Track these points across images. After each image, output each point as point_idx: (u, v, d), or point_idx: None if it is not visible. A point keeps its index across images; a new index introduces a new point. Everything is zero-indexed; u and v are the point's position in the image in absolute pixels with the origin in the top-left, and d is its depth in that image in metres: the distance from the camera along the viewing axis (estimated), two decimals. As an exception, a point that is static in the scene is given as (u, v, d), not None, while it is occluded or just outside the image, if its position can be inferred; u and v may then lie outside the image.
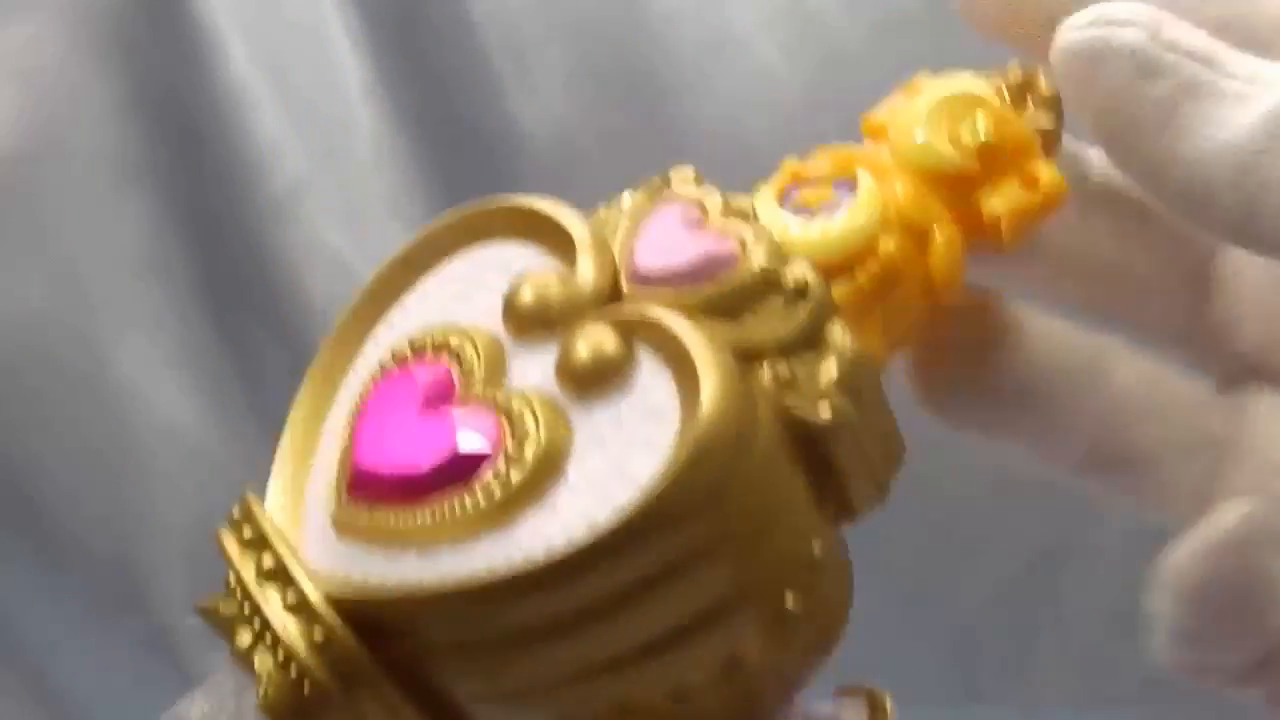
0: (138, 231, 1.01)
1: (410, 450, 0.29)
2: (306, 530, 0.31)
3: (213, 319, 1.03)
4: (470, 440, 0.28)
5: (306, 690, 0.29)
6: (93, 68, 1.00)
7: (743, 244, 0.30)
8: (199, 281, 1.02)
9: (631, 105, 1.00)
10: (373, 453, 0.30)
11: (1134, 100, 0.32)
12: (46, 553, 1.02)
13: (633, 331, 0.29)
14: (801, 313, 0.29)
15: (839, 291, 0.30)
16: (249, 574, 0.31)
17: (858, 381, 0.30)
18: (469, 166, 1.01)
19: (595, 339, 0.29)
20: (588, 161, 1.00)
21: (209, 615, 0.32)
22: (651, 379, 0.28)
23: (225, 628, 0.31)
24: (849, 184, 0.31)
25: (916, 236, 0.32)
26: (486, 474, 0.28)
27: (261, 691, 0.29)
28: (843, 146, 0.33)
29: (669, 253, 0.30)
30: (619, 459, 0.27)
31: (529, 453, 0.28)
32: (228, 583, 0.32)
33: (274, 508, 0.32)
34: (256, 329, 1.02)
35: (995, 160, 0.32)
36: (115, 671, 1.03)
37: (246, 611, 0.30)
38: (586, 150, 1.00)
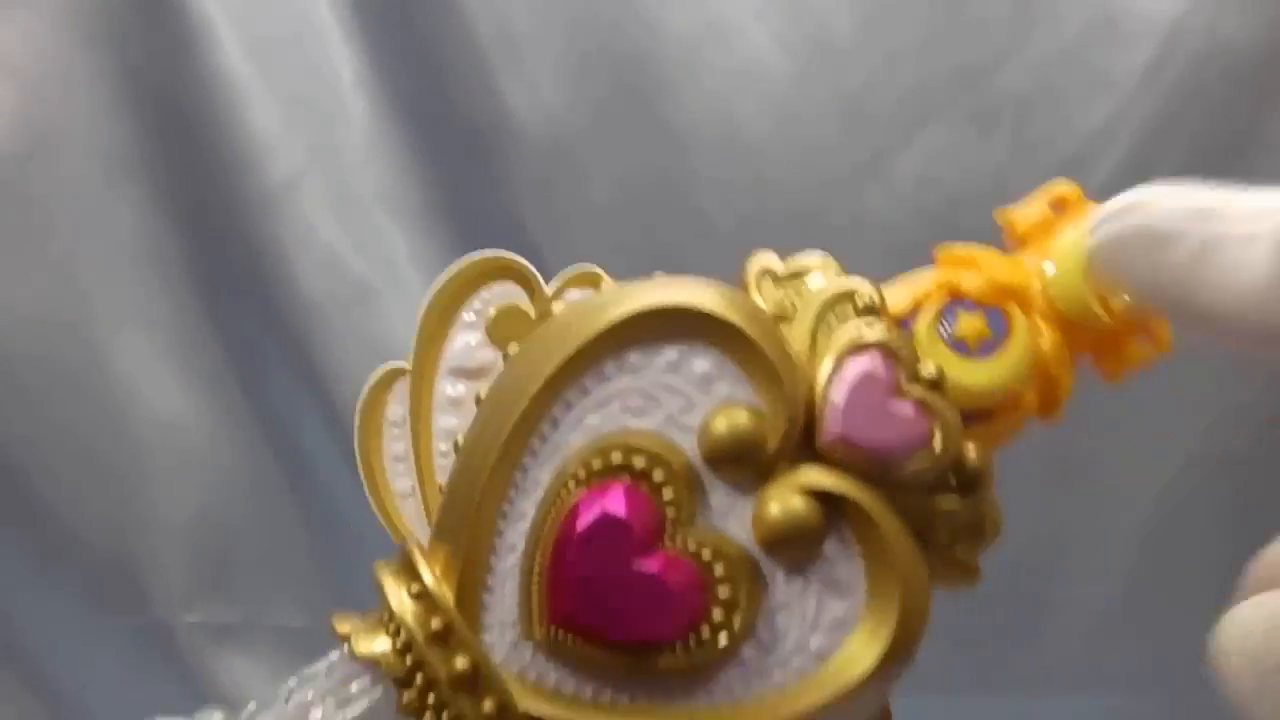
0: (131, 226, 1.01)
1: (625, 594, 0.30)
2: (484, 621, 0.32)
3: (207, 312, 1.03)
4: (685, 605, 0.31)
5: None
6: (85, 63, 1.00)
7: (929, 430, 0.31)
8: (193, 275, 1.02)
9: (624, 95, 1.00)
10: (585, 602, 0.31)
11: (1161, 273, 0.32)
12: (43, 549, 1.02)
13: (828, 503, 0.31)
14: (971, 495, 0.33)
15: (978, 433, 0.33)
16: (423, 632, 0.32)
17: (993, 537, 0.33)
18: (462, 157, 1.01)
19: (792, 505, 0.31)
20: (580, 151, 1.00)
21: (368, 658, 0.33)
22: (838, 552, 0.31)
23: (387, 679, 0.33)
24: (1001, 317, 0.34)
25: (1049, 383, 0.35)
26: (692, 632, 0.31)
27: None
28: (990, 259, 0.35)
29: (869, 426, 0.31)
30: (804, 631, 0.31)
31: (732, 616, 0.31)
32: (394, 635, 0.33)
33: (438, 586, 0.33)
34: (250, 322, 1.02)
35: (1130, 319, 0.34)
36: (112, 668, 1.03)
37: (412, 669, 0.32)
38: (579, 140, 1.00)
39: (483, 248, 1.10)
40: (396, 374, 0.39)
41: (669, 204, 1.01)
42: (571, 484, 0.33)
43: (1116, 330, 0.35)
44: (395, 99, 1.02)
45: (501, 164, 1.01)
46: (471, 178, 1.01)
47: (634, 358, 0.33)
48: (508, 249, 1.09)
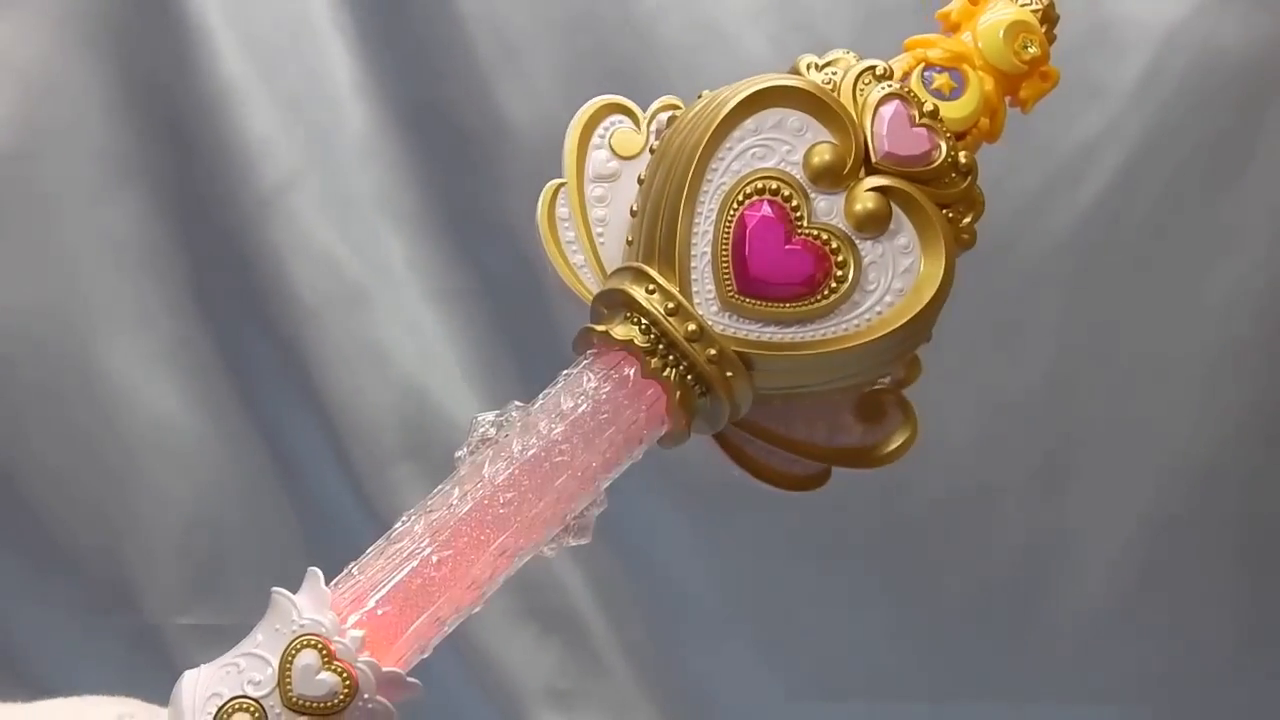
0: (127, 227, 1.01)
1: (786, 270, 0.49)
2: (696, 299, 0.49)
3: (201, 314, 1.03)
4: (817, 269, 0.49)
5: (699, 393, 0.50)
6: (82, 64, 1.00)
7: (938, 143, 0.50)
8: (188, 277, 1.02)
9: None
10: (761, 268, 0.49)
11: None
12: (37, 551, 1.02)
13: (890, 194, 0.49)
14: (968, 182, 0.51)
15: (961, 145, 0.51)
16: (658, 309, 0.49)
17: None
18: (457, 160, 1.01)
19: (867, 199, 0.49)
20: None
21: (606, 338, 0.50)
22: (900, 225, 0.49)
23: (635, 354, 0.49)
24: (959, 74, 0.52)
25: (992, 112, 0.53)
26: (824, 288, 0.49)
27: (677, 394, 0.49)
28: (942, 39, 0.53)
29: (905, 145, 0.50)
30: (888, 279, 0.49)
31: (846, 274, 0.49)
32: (630, 317, 0.50)
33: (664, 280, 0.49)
34: (245, 324, 1.02)
35: (1034, 65, 0.54)
36: (104, 669, 1.03)
37: (655, 340, 0.49)
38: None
39: (478, 251, 1.10)
40: (560, 185, 0.54)
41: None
42: (734, 206, 0.49)
43: (1025, 73, 0.54)
44: (391, 103, 1.02)
45: (497, 167, 1.01)
46: (467, 181, 1.01)
47: (750, 123, 0.50)
48: (502, 252, 1.09)
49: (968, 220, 0.51)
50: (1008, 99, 0.55)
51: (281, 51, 1.01)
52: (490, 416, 0.51)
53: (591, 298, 0.52)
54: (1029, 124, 0.97)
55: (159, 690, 1.07)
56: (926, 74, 0.52)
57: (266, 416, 1.04)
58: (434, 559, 0.47)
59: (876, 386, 0.54)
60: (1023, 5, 0.55)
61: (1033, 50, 0.53)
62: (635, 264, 0.50)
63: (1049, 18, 0.55)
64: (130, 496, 1.02)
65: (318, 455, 1.03)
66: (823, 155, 0.49)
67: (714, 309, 0.49)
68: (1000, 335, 1.01)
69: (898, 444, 0.55)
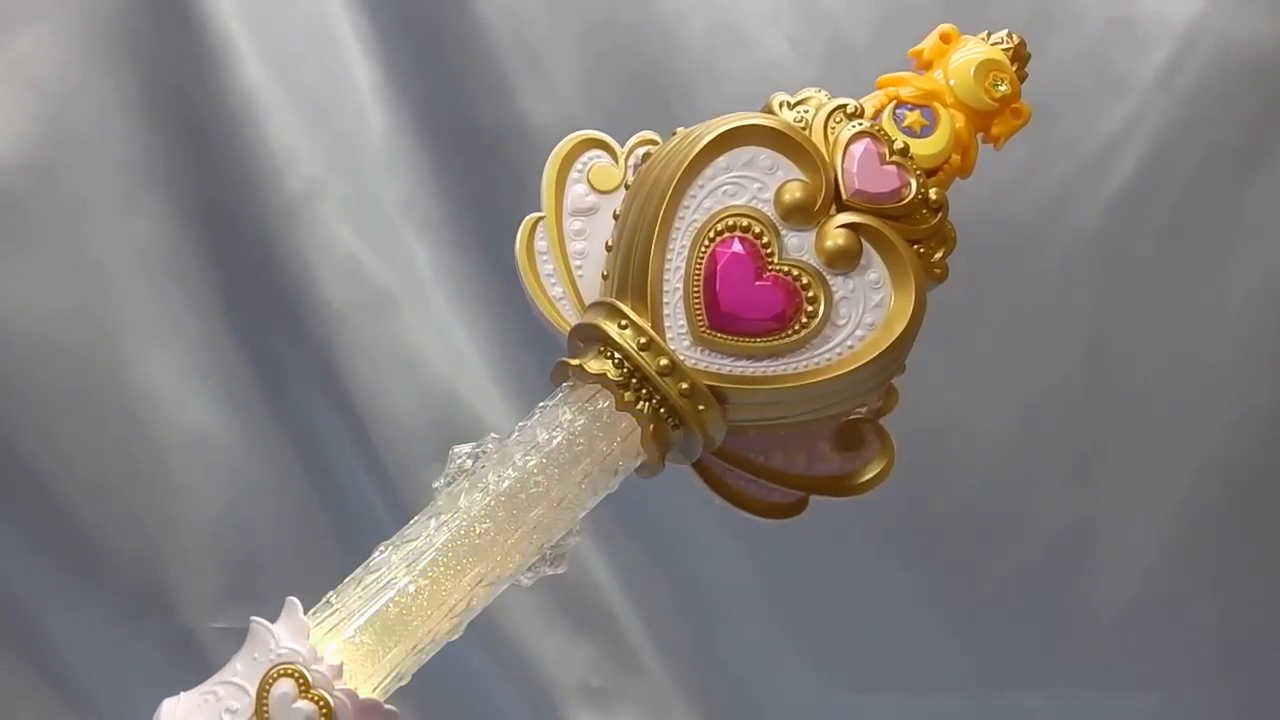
0: (152, 236, 1.02)
1: (757, 305, 0.50)
2: (668, 334, 0.50)
3: (230, 322, 1.03)
4: (788, 305, 0.50)
5: (671, 425, 0.51)
6: (106, 75, 1.01)
7: (908, 180, 0.51)
8: (215, 285, 1.03)
9: (642, 100, 1.00)
10: (731, 303, 0.50)
11: None
12: (72, 557, 1.03)
13: (860, 231, 0.50)
14: (938, 218, 0.52)
15: (933, 182, 0.53)
16: (630, 345, 0.50)
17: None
18: (481, 165, 1.01)
19: (838, 235, 0.50)
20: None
21: (580, 371, 0.51)
22: (870, 261, 0.50)
23: (609, 388, 0.51)
24: (930, 112, 0.53)
25: (963, 149, 0.54)
26: (794, 323, 0.50)
27: (647, 427, 0.51)
28: (914, 78, 0.55)
29: (875, 182, 0.50)
30: (858, 313, 0.50)
31: (817, 310, 0.50)
32: (604, 352, 0.51)
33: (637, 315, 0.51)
34: (273, 330, 1.03)
35: (1005, 102, 0.55)
36: (139, 672, 1.03)
37: (628, 374, 0.50)
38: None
39: (503, 254, 1.10)
40: (538, 219, 0.56)
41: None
42: (705, 242, 0.51)
43: (997, 110, 0.55)
44: (414, 108, 1.03)
45: (520, 171, 1.01)
46: (490, 185, 1.02)
47: (722, 161, 0.51)
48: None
49: (939, 255, 0.52)
50: (980, 135, 0.56)
51: (302, 59, 1.01)
52: (467, 449, 0.53)
53: (568, 330, 0.54)
54: (1053, 120, 0.98)
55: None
56: (898, 111, 0.54)
57: (296, 421, 1.04)
58: (411, 588, 0.48)
59: (854, 416, 0.56)
60: (994, 44, 0.57)
61: (1003, 88, 0.55)
62: (609, 299, 0.52)
63: (1020, 56, 0.56)
64: (163, 502, 1.03)
65: (348, 459, 1.04)
66: (794, 193, 0.51)
67: (686, 344, 0.50)
68: (1030, 328, 1.01)
69: (875, 472, 0.57)
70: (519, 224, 1.02)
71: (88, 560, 1.03)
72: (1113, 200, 0.99)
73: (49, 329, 1.01)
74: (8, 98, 1.00)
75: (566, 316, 0.54)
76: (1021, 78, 0.56)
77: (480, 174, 1.02)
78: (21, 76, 1.00)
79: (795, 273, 0.50)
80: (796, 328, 0.50)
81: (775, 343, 0.50)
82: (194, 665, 1.02)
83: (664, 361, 0.50)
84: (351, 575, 0.49)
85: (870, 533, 1.03)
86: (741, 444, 0.54)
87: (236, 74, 1.00)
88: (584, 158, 0.56)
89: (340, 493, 1.05)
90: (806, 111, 0.53)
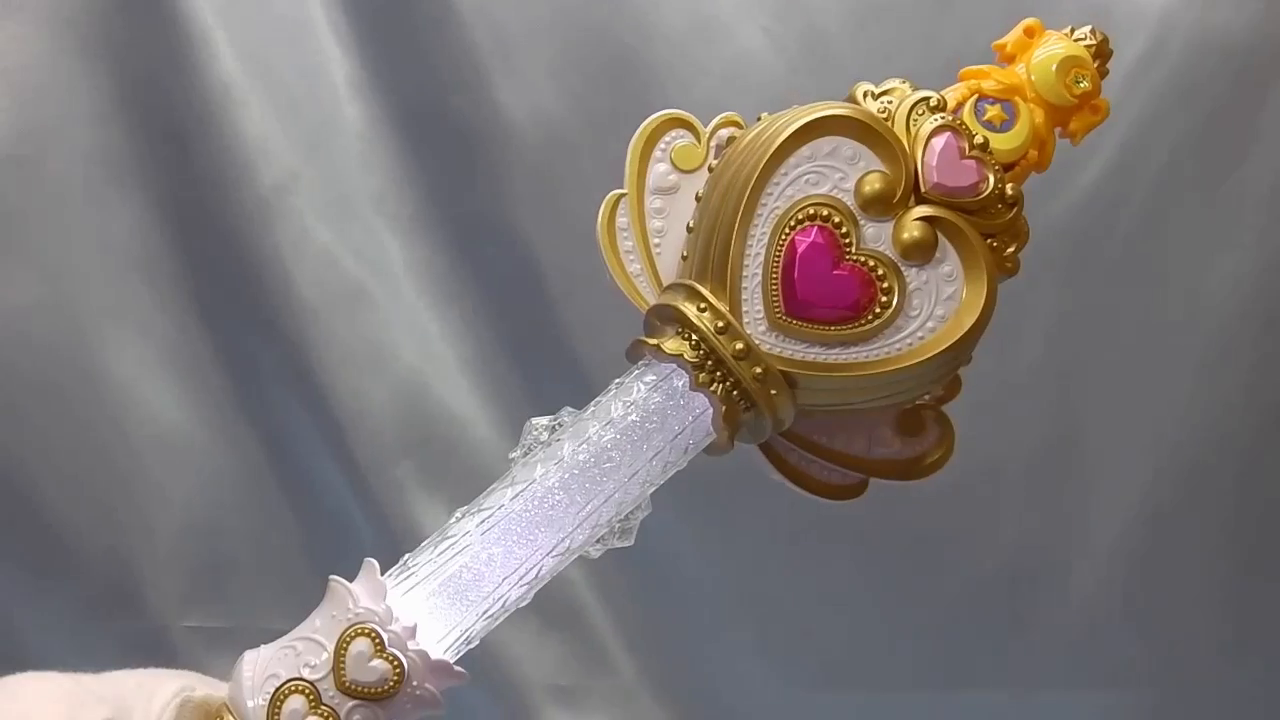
0: (125, 230, 1.02)
1: (833, 294, 0.51)
2: (745, 319, 0.52)
3: (202, 316, 1.04)
4: (863, 295, 0.51)
5: (743, 408, 0.52)
6: (78, 66, 1.01)
7: (986, 176, 0.52)
8: (188, 279, 1.03)
9: (617, 93, 1.00)
10: (809, 292, 0.51)
11: None
12: (41, 555, 1.03)
13: (936, 224, 0.51)
14: (1013, 213, 0.52)
15: (1009, 176, 0.53)
16: (708, 327, 0.52)
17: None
18: (456, 159, 1.01)
19: (915, 228, 0.51)
20: (574, 151, 1.00)
21: (658, 351, 0.52)
22: (945, 254, 0.51)
23: (685, 368, 0.52)
24: (1011, 106, 0.54)
25: (1041, 144, 0.54)
26: (869, 312, 0.51)
27: (723, 408, 0.52)
28: (996, 70, 0.55)
29: (954, 176, 0.51)
30: (930, 305, 0.51)
31: (891, 300, 0.51)
32: (682, 333, 0.52)
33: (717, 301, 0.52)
34: (245, 324, 1.03)
35: (1085, 98, 0.55)
36: (109, 670, 1.02)
37: (704, 356, 0.51)
38: (573, 140, 1.00)
39: (477, 249, 1.10)
40: (620, 196, 0.56)
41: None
42: (786, 230, 0.51)
43: (1076, 107, 0.55)
44: (389, 103, 1.03)
45: (495, 166, 1.01)
46: (465, 180, 1.02)
47: (806, 150, 0.52)
48: (501, 249, 1.09)
49: (1011, 250, 0.53)
50: (1058, 130, 0.56)
51: (278, 52, 1.01)
52: (544, 421, 0.53)
53: (646, 307, 0.55)
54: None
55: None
56: (980, 105, 0.54)
57: (268, 417, 1.04)
58: (484, 555, 0.50)
59: (917, 402, 0.57)
60: (1076, 40, 0.57)
61: (1084, 85, 0.55)
62: (689, 281, 0.53)
63: (1102, 53, 0.57)
64: (133, 499, 1.03)
65: (319, 455, 1.04)
66: (874, 184, 0.51)
67: (762, 329, 0.51)
68: (996, 324, 1.01)
69: (935, 457, 0.57)
70: (493, 219, 1.03)
71: (58, 558, 1.03)
72: (1084, 194, 1.00)
73: (20, 323, 1.01)
74: (-22, 91, 1.00)
75: (644, 293, 0.55)
76: (1102, 74, 0.56)
77: (454, 168, 1.02)
78: (-10, 68, 1.00)
79: (871, 263, 0.51)
80: (870, 317, 0.51)
81: (849, 331, 0.51)
82: (164, 664, 1.02)
83: (740, 346, 0.51)
84: (428, 539, 0.51)
85: (836, 532, 1.03)
86: (805, 425, 0.55)
87: (211, 67, 1.00)
88: (668, 136, 0.56)
89: (312, 488, 1.05)
90: (890, 102, 0.53)
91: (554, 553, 0.51)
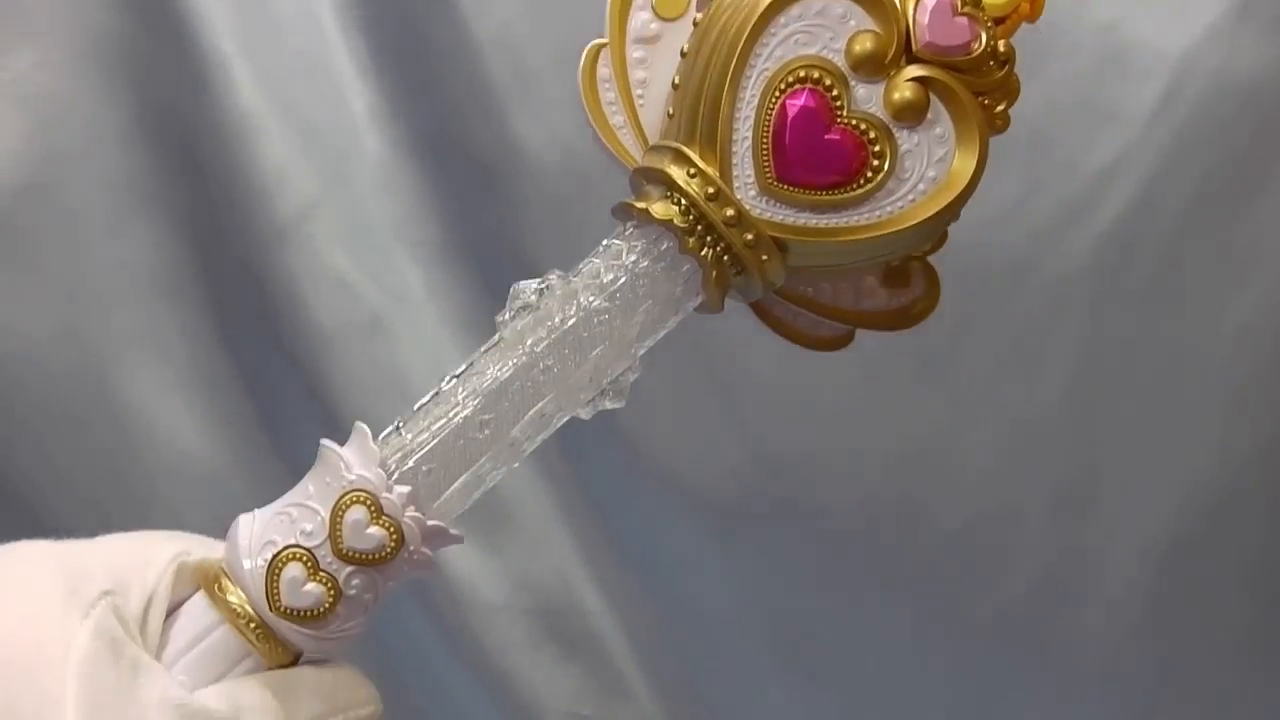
0: (146, 257, 1.02)
1: (826, 159, 0.51)
2: (735, 184, 0.52)
3: (221, 343, 1.04)
4: (855, 159, 0.51)
5: (734, 271, 0.53)
6: (98, 94, 1.02)
7: (979, 33, 0.51)
8: (207, 306, 1.03)
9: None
10: (800, 156, 0.51)
11: None
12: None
13: (929, 84, 0.50)
14: (1005, 70, 0.51)
15: (1001, 30, 0.52)
16: (698, 193, 0.51)
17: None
18: (474, 188, 1.02)
19: (906, 89, 0.50)
20: (593, 180, 1.01)
21: (645, 214, 0.52)
22: (937, 114, 0.51)
23: (675, 232, 0.52)
24: None
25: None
26: (860, 176, 0.51)
27: (713, 273, 0.52)
28: None
29: (946, 35, 0.50)
30: (922, 167, 0.51)
31: (883, 164, 0.51)
32: (671, 197, 0.52)
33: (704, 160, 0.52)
34: (264, 352, 1.03)
35: None
36: (102, 536, 1.02)
37: (693, 221, 0.52)
38: (591, 169, 1.00)
39: (495, 277, 1.10)
40: (600, 46, 0.55)
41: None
42: (776, 93, 0.51)
43: None
44: (408, 130, 1.04)
45: (513, 194, 1.02)
46: (483, 208, 1.02)
47: (796, 9, 0.51)
48: (519, 277, 1.10)
49: (1002, 107, 0.52)
50: None
51: (296, 80, 1.02)
52: (533, 284, 0.55)
53: (633, 160, 0.55)
54: (1045, 150, 0.99)
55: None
56: None
57: (286, 443, 1.05)
58: (476, 420, 0.52)
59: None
60: None
61: None
62: (676, 144, 0.53)
63: None
64: (151, 523, 1.01)
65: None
66: (865, 44, 0.51)
67: (752, 194, 0.51)
68: (1019, 358, 1.02)
69: (921, 306, 0.58)
70: (512, 246, 1.04)
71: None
72: (1104, 232, 1.00)
73: (39, 348, 1.02)
74: (1, 116, 1.00)
75: (629, 148, 0.55)
76: None
77: (473, 197, 1.03)
78: (15, 95, 1.01)
79: (863, 126, 0.51)
80: (862, 181, 0.51)
81: (840, 196, 0.51)
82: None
83: (730, 212, 0.51)
84: (420, 404, 0.53)
85: (857, 563, 1.03)
86: (793, 280, 0.55)
87: (231, 95, 1.01)
88: None
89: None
90: None
91: (545, 415, 0.52)
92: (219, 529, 1.03)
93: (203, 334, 1.04)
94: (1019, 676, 1.06)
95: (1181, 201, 1.01)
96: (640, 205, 0.52)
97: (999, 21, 0.52)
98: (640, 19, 0.55)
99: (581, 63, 0.55)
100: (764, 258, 0.51)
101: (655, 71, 0.55)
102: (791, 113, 0.51)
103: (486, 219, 1.03)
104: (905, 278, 0.57)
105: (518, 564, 1.04)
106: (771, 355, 0.97)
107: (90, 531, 1.02)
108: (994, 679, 1.06)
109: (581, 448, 1.03)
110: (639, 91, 0.55)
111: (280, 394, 1.04)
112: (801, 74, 0.51)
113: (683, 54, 0.54)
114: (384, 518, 0.49)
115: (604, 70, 0.55)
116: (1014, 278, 1.01)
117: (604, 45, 0.55)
